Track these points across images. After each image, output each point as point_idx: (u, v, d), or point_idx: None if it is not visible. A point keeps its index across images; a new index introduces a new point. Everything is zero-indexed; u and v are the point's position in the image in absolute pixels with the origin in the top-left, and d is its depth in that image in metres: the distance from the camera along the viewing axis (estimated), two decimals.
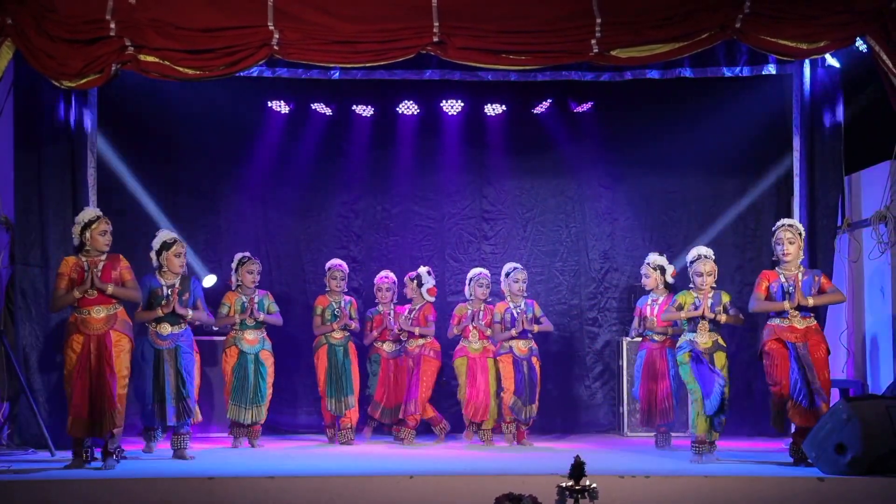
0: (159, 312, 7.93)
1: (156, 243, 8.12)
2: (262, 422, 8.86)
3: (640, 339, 9.05)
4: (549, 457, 8.24)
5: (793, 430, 7.68)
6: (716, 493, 6.65)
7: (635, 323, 9.09)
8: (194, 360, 8.10)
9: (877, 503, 6.56)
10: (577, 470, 5.12)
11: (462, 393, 9.11)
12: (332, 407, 9.05)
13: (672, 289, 8.82)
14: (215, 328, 9.19)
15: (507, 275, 9.09)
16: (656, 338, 8.76)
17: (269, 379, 8.82)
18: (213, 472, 7.02)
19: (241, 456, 8.32)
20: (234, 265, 8.96)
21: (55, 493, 6.59)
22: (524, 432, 9.06)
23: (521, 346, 8.97)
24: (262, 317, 8.82)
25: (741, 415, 9.48)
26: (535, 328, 8.99)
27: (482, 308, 9.16)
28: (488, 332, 9.10)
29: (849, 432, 6.81)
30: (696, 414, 7.84)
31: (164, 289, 7.99)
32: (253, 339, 8.79)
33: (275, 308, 9.02)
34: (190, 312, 8.04)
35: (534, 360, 9.01)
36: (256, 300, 8.88)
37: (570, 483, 5.09)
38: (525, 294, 9.07)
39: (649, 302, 8.91)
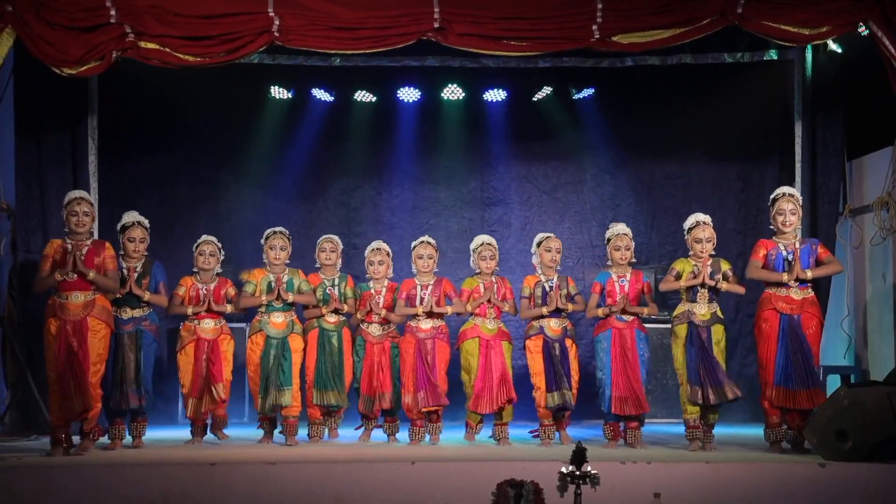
0: (116, 294, 7.75)
1: (119, 226, 8.01)
2: (295, 412, 8.11)
3: (600, 318, 8.07)
4: (551, 443, 8.19)
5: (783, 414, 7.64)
6: (716, 478, 6.67)
7: (593, 301, 8.06)
8: (154, 348, 7.99)
9: (877, 489, 6.58)
10: (579, 456, 5.13)
11: (470, 382, 8.10)
12: (317, 399, 8.14)
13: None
14: (238, 311, 8.39)
15: (539, 244, 8.20)
16: (626, 318, 7.96)
17: (296, 367, 8.09)
18: (215, 457, 7.08)
19: (243, 444, 8.27)
20: (262, 240, 8.29)
21: (57, 478, 6.61)
22: (562, 422, 8.12)
23: (553, 326, 8.02)
24: (290, 298, 8.08)
25: (741, 400, 9.47)
26: (570, 306, 8.07)
27: (493, 281, 8.21)
28: (505, 308, 8.18)
29: (849, 419, 6.83)
30: (684, 397, 7.79)
31: (123, 271, 7.84)
32: (280, 323, 8.09)
33: (307, 287, 8.24)
34: (147, 294, 7.84)
35: (567, 341, 8.05)
36: (284, 279, 8.15)
37: (571, 469, 5.11)
38: (559, 267, 8.24)
39: (615, 279, 8.04)
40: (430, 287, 8.20)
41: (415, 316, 8.14)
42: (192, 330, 8.10)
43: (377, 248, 8.36)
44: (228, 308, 8.16)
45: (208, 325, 8.10)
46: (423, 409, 8.04)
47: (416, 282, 8.27)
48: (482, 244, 8.25)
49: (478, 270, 8.24)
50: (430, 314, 8.12)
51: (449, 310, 8.16)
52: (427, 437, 8.13)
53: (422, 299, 8.15)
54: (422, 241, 8.31)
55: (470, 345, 8.10)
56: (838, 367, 9.10)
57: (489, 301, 8.10)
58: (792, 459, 7.15)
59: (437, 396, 8.01)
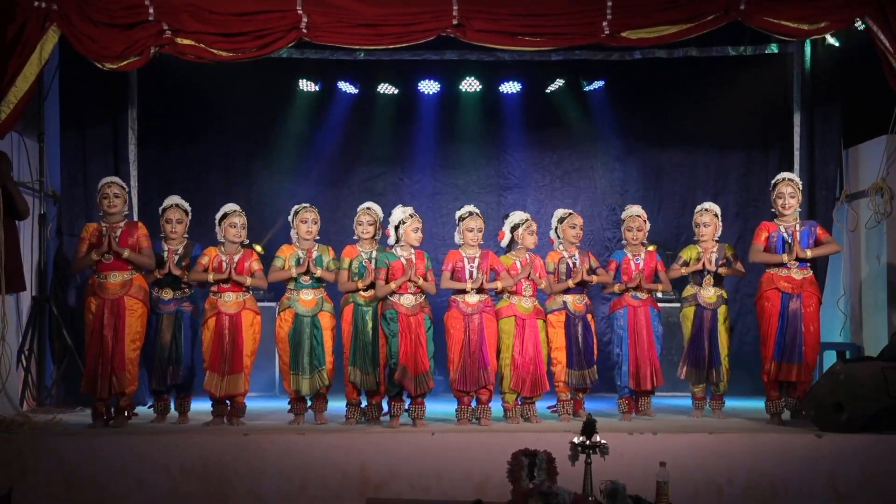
0: (157, 275, 7.67)
1: (160, 209, 7.90)
2: (324, 391, 7.60)
3: (614, 295, 8.03)
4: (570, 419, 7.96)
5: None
6: (719, 448, 6.72)
7: (609, 277, 7.96)
8: (194, 329, 7.77)
9: (871, 458, 6.64)
10: (589, 427, 5.15)
11: (506, 361, 7.58)
12: (355, 378, 7.47)
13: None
14: (266, 286, 7.99)
15: (562, 220, 7.90)
16: (640, 295, 7.89)
17: (328, 344, 7.58)
18: (248, 428, 7.17)
19: (274, 416, 8.17)
20: (290, 216, 7.76)
21: (100, 447, 6.71)
22: (581, 402, 7.89)
23: (576, 303, 7.75)
24: (318, 272, 7.53)
25: (743, 374, 9.45)
26: (593, 279, 7.81)
27: (529, 258, 7.73)
28: (542, 285, 7.72)
29: (845, 392, 6.86)
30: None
31: (165, 253, 7.76)
32: (310, 301, 7.56)
33: (334, 265, 7.68)
34: (186, 274, 7.71)
35: (589, 317, 7.82)
36: (315, 254, 7.66)
37: (582, 439, 5.13)
38: (580, 243, 7.97)
39: (630, 257, 7.96)
40: (476, 260, 7.56)
41: (461, 291, 7.54)
42: (214, 304, 7.56)
43: (413, 215, 7.55)
44: (249, 281, 7.55)
45: (230, 299, 7.52)
46: (471, 389, 7.42)
47: (462, 254, 7.61)
48: (525, 220, 7.76)
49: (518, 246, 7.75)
50: (478, 290, 7.51)
51: (499, 285, 7.56)
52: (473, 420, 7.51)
53: (471, 273, 7.51)
54: (471, 214, 7.65)
55: (506, 324, 7.59)
56: (835, 344, 9.07)
57: (527, 277, 7.65)
58: (790, 430, 7.16)
59: (487, 376, 7.44)
